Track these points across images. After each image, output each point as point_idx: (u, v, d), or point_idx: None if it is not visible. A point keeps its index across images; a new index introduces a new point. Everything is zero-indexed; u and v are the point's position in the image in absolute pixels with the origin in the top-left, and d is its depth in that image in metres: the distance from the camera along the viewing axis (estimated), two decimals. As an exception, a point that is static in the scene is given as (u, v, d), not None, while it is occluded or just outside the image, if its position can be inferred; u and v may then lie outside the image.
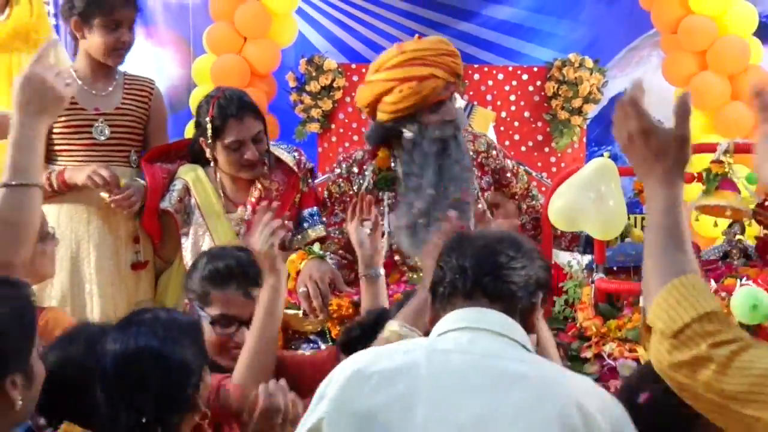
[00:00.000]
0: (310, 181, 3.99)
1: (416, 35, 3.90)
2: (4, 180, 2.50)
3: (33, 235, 2.60)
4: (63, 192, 3.76)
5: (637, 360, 3.30)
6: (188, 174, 3.86)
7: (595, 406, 1.93)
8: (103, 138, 3.95)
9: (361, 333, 2.77)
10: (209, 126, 3.73)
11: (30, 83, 2.49)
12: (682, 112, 1.96)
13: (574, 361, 3.41)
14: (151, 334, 2.19)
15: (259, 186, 3.82)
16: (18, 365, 1.98)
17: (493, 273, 2.07)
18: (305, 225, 3.85)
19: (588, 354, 3.38)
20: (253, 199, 3.79)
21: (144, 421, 2.11)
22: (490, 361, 1.95)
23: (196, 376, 2.21)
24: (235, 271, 2.92)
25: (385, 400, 1.92)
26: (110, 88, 4.00)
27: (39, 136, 2.55)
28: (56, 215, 3.78)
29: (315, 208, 3.88)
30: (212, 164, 3.83)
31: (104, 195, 3.72)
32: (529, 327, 2.08)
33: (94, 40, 3.91)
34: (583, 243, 4.05)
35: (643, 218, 5.36)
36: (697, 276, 1.87)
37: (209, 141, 3.74)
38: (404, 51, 3.76)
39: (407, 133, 3.70)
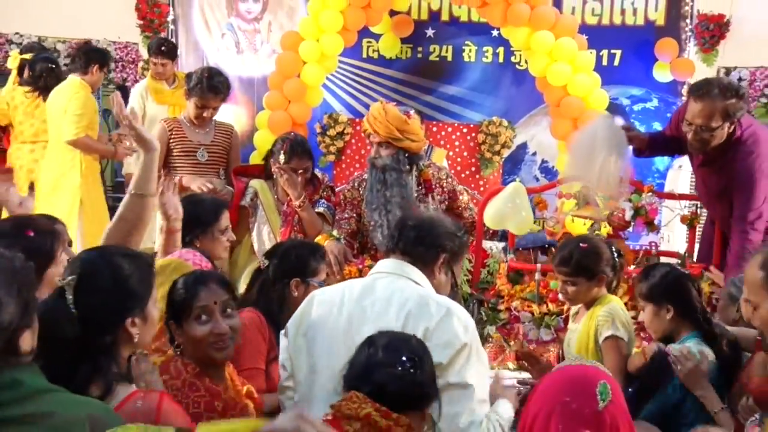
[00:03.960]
0: (331, 195, 4.01)
1: (381, 100, 3.86)
2: (132, 190, 2.25)
3: (143, 232, 2.28)
4: (180, 191, 3.74)
5: (531, 312, 3.36)
6: (257, 184, 3.92)
7: (433, 296, 2.02)
8: (203, 160, 4.06)
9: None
10: (282, 157, 3.74)
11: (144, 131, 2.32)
12: None
13: (493, 311, 3.46)
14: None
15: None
16: (137, 310, 1.74)
17: (411, 239, 2.12)
18: (318, 206, 3.86)
19: (502, 307, 3.44)
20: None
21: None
22: (373, 288, 2.04)
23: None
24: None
25: (317, 316, 2.06)
26: (207, 129, 4.12)
27: (156, 162, 2.34)
28: None
29: (328, 204, 3.88)
30: (273, 179, 3.87)
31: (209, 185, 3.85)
32: (429, 272, 2.11)
33: (190, 108, 4.03)
34: (500, 235, 4.13)
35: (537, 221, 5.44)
36: None
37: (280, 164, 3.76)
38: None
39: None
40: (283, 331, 2.15)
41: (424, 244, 2.11)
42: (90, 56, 4.96)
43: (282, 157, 3.74)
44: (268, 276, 2.66)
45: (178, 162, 4.07)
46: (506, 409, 2.08)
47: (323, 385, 1.99)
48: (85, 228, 4.78)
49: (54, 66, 5.10)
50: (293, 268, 2.65)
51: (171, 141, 4.09)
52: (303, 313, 2.11)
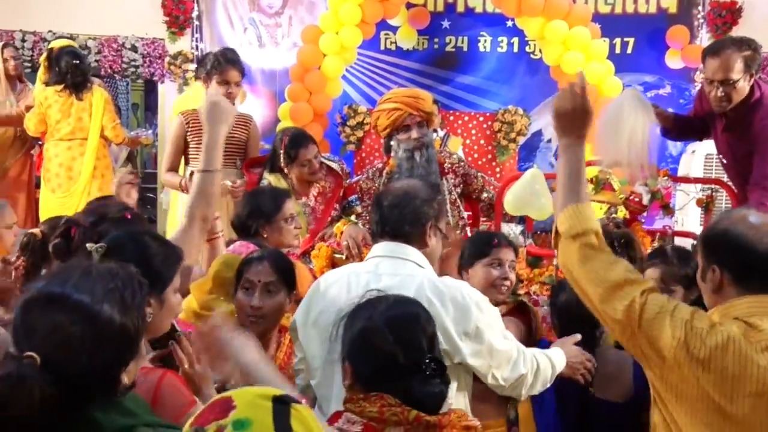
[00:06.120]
0: (350, 180, 3.86)
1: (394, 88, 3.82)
2: (200, 168, 2.29)
3: (214, 202, 2.30)
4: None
5: (550, 296, 3.29)
6: (271, 176, 3.65)
7: (441, 280, 1.93)
8: None
9: None
10: (283, 153, 3.55)
11: (212, 108, 2.33)
12: (582, 89, 1.79)
13: (514, 294, 3.41)
14: None
15: (318, 186, 3.68)
16: (155, 290, 1.64)
17: (395, 221, 2.00)
18: (352, 204, 3.70)
19: (521, 291, 3.37)
20: (315, 194, 3.66)
21: None
22: (379, 275, 1.95)
23: None
24: None
25: (326, 304, 1.95)
26: None
27: (220, 138, 2.33)
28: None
29: (355, 195, 3.73)
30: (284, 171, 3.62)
31: (228, 183, 3.58)
32: (422, 244, 2.01)
33: (211, 89, 3.87)
34: (518, 219, 4.06)
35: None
36: (588, 204, 1.78)
37: (287, 163, 3.56)
38: (388, 95, 3.66)
39: (394, 145, 3.52)
40: (292, 321, 2.07)
41: (408, 222, 2.01)
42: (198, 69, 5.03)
43: (283, 157, 3.61)
44: None
45: (194, 154, 3.86)
46: (557, 355, 2.08)
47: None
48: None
49: (78, 61, 5.02)
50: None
51: (188, 134, 3.92)
52: (310, 302, 2.03)
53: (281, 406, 1.03)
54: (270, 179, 3.69)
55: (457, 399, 1.88)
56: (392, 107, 3.55)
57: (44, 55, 5.19)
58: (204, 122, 2.33)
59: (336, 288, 1.99)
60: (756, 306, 1.61)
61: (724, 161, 3.34)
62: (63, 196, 4.94)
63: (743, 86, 3.04)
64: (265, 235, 2.79)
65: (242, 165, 3.95)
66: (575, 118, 1.80)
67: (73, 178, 4.97)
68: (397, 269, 1.97)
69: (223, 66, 3.82)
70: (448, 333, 1.85)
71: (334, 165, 3.80)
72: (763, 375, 1.54)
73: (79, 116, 4.98)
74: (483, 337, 1.88)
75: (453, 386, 1.87)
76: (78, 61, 4.98)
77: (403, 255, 1.99)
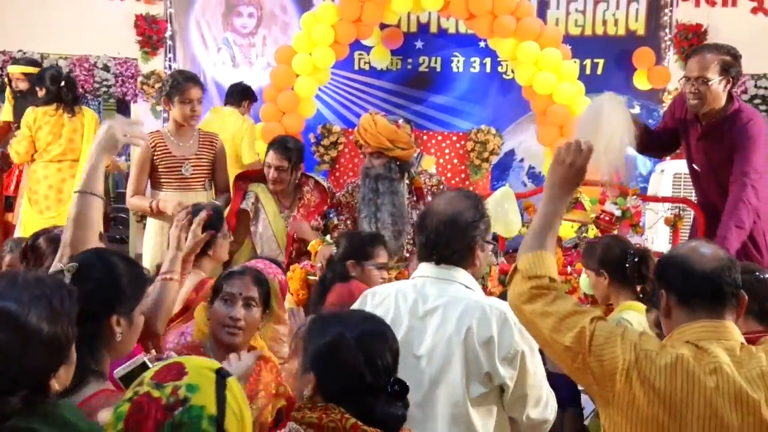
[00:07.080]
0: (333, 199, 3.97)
1: (371, 110, 3.85)
2: (78, 188, 2.05)
3: (89, 231, 2.00)
4: (158, 214, 3.69)
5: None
6: (256, 188, 3.82)
7: (487, 302, 1.96)
8: (188, 174, 3.85)
9: None
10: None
11: (104, 135, 2.11)
12: (588, 150, 1.82)
13: None
14: None
15: (304, 198, 3.79)
16: (123, 309, 1.68)
17: (442, 247, 1.99)
18: (329, 215, 3.78)
19: None
20: (299, 206, 3.77)
21: None
22: (426, 296, 1.97)
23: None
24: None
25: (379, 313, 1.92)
26: (191, 141, 3.89)
27: (103, 164, 2.11)
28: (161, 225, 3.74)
29: (333, 208, 3.82)
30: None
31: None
32: (470, 264, 2.00)
33: (175, 111, 3.82)
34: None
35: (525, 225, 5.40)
36: (552, 254, 1.82)
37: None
38: (372, 123, 3.70)
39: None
40: None
41: (456, 250, 1.98)
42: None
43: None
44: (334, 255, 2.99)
45: (163, 178, 3.85)
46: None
47: None
48: None
49: (65, 76, 4.98)
50: (353, 251, 2.94)
51: (155, 157, 3.85)
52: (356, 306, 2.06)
53: (221, 378, 1.22)
54: (256, 190, 3.78)
55: (497, 426, 1.90)
56: (357, 137, 3.67)
57: (5, 80, 5.14)
58: (94, 146, 2.13)
59: (384, 306, 1.99)
60: (706, 331, 1.64)
61: (698, 170, 3.38)
62: (52, 217, 4.83)
63: (718, 89, 3.10)
64: (210, 253, 2.83)
65: (212, 185, 3.95)
66: (569, 173, 1.83)
67: (62, 200, 4.87)
68: (443, 291, 1.97)
69: (183, 85, 3.81)
70: (490, 355, 1.86)
71: (323, 182, 3.90)
72: (710, 397, 1.55)
73: (71, 137, 4.93)
74: (520, 363, 1.89)
75: (494, 411, 1.91)
76: (63, 75, 4.95)
77: (450, 277, 1.98)
